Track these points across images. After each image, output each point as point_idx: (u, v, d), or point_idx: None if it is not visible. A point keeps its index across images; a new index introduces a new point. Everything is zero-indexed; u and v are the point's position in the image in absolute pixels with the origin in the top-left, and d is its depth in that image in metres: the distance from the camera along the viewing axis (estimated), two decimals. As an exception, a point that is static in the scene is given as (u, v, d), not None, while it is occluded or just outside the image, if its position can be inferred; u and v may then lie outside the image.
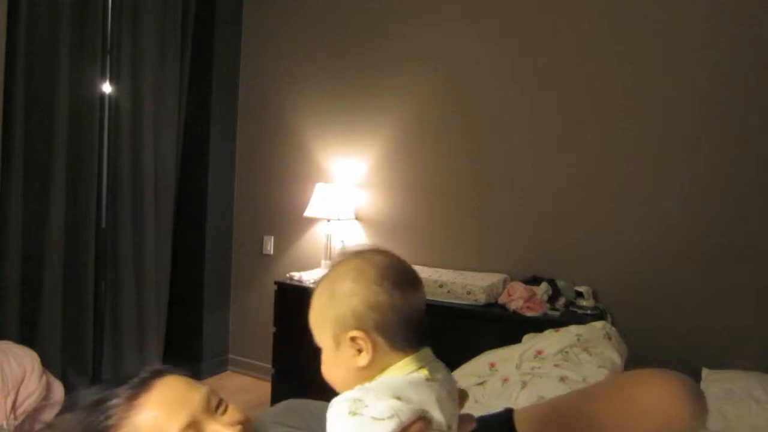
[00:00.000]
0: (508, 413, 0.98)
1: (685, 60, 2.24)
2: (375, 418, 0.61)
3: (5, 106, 2.43)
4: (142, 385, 0.86)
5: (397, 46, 2.94)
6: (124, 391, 0.85)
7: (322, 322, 0.72)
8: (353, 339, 0.68)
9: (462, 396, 0.75)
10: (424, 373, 0.68)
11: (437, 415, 0.66)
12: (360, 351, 0.68)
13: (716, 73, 2.19)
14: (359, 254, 0.74)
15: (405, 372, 0.68)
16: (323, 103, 3.18)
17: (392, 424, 0.61)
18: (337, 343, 0.70)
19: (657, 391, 0.85)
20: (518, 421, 0.95)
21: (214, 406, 0.86)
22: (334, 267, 0.74)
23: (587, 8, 2.44)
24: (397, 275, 0.71)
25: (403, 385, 0.66)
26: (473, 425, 0.76)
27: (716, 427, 1.44)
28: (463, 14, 2.74)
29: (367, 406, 0.62)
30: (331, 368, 0.72)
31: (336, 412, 0.64)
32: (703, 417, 0.87)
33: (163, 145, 3.10)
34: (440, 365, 0.73)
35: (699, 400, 0.87)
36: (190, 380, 0.89)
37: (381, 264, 0.71)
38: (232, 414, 0.88)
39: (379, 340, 0.68)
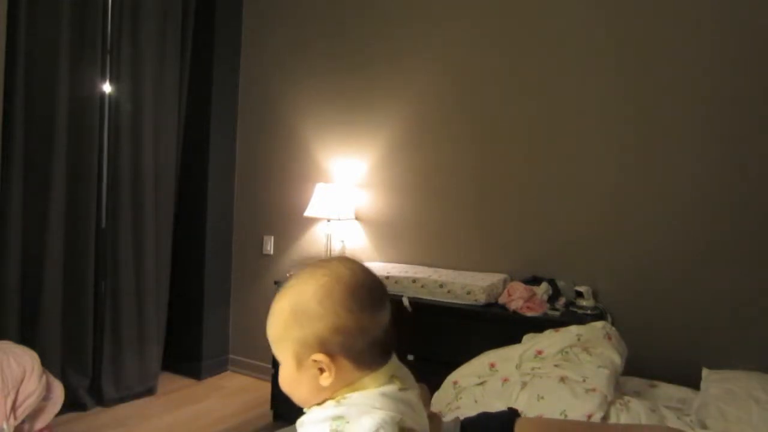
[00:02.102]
0: (511, 417, 0.97)
1: (685, 61, 2.24)
2: None
3: (5, 106, 2.44)
4: None
5: (397, 46, 2.94)
6: None
7: (283, 340, 0.69)
8: (315, 361, 0.66)
9: (424, 391, 0.75)
10: (396, 384, 0.67)
11: (417, 421, 0.66)
12: (321, 371, 0.66)
13: (716, 74, 2.19)
14: (325, 267, 0.70)
15: (377, 386, 0.66)
16: (323, 103, 3.18)
17: None
18: (299, 362, 0.67)
19: None
20: (519, 428, 0.94)
21: None
22: (298, 280, 0.70)
23: (588, 10, 2.44)
24: (366, 295, 0.68)
25: (379, 399, 0.64)
26: (441, 421, 0.76)
27: (716, 427, 1.44)
28: (463, 15, 2.75)
29: (349, 423, 0.61)
30: (290, 384, 0.70)
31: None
32: None
33: (163, 145, 3.10)
34: (406, 370, 0.73)
35: None
36: None
37: (349, 282, 0.68)
38: None
39: (344, 361, 0.66)
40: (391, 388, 0.66)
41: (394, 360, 0.71)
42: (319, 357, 0.65)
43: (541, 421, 0.98)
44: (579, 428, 0.94)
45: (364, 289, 0.69)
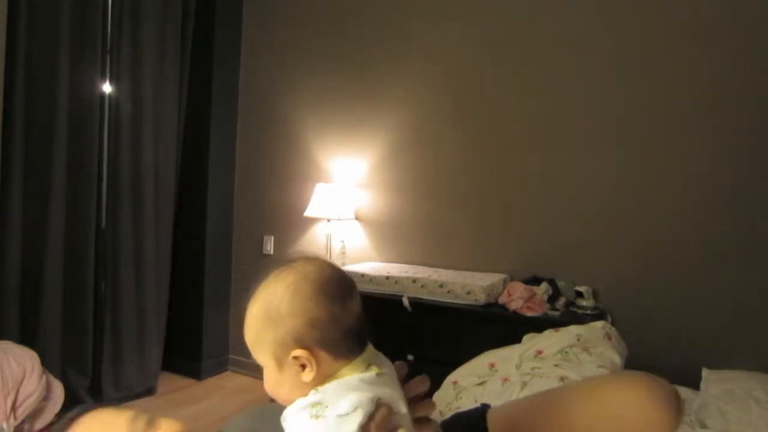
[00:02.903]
0: (483, 411, 0.98)
1: (685, 59, 2.24)
2: (340, 416, 0.62)
3: (5, 106, 2.44)
4: (68, 424, 0.85)
5: (397, 46, 2.94)
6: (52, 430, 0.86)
7: (260, 344, 0.70)
8: (296, 357, 0.67)
9: (399, 369, 0.75)
10: (374, 370, 0.69)
11: (397, 404, 0.68)
12: (303, 367, 0.67)
13: (717, 73, 2.19)
14: (290, 268, 0.72)
15: (355, 373, 0.68)
16: (323, 103, 3.18)
17: (358, 416, 0.62)
18: (280, 363, 0.69)
19: (632, 396, 0.84)
20: (491, 420, 0.95)
21: (143, 425, 0.83)
22: (266, 284, 0.72)
23: (587, 9, 2.44)
24: (334, 287, 0.70)
25: (356, 383, 0.66)
26: (434, 408, 0.76)
27: (716, 427, 1.44)
28: (463, 15, 2.75)
29: (327, 407, 0.63)
30: (275, 386, 0.71)
31: (297, 421, 0.65)
32: (679, 420, 0.85)
33: (163, 145, 3.10)
34: (382, 357, 0.74)
35: (674, 404, 0.86)
36: (116, 408, 0.88)
37: (316, 277, 0.70)
38: (167, 428, 0.85)
39: (322, 354, 0.67)
40: (368, 374, 0.68)
41: (370, 349, 0.72)
42: (299, 353, 0.67)
43: (507, 408, 0.99)
44: (542, 401, 0.95)
45: (332, 281, 0.70)
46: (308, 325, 0.67)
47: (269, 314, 0.69)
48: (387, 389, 0.68)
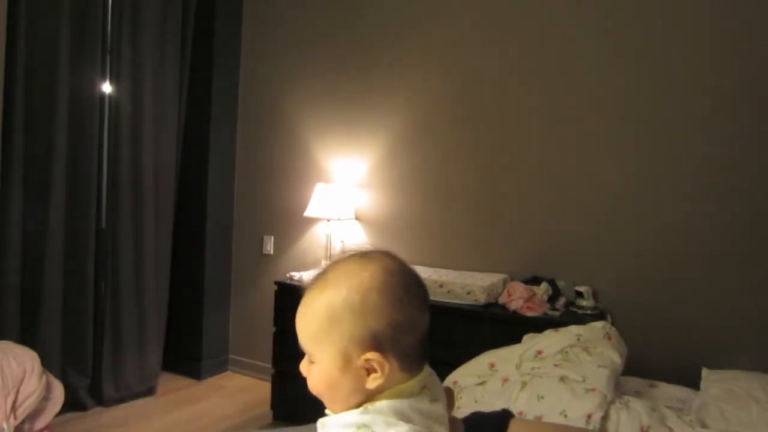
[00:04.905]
0: (505, 418, 0.96)
1: (686, 59, 2.24)
2: None
3: (5, 107, 2.44)
4: None
5: (397, 46, 2.94)
6: None
7: (328, 336, 0.62)
8: (367, 360, 0.61)
9: (449, 395, 0.72)
10: (427, 394, 0.64)
11: None
12: (369, 372, 0.61)
13: (717, 73, 2.19)
14: (375, 260, 0.65)
15: (410, 394, 0.62)
16: (323, 103, 3.18)
17: None
18: (346, 362, 0.61)
19: None
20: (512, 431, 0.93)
21: None
22: (342, 270, 0.65)
23: (588, 8, 2.44)
24: (416, 288, 0.65)
25: (408, 409, 0.61)
26: (461, 427, 0.74)
27: (716, 427, 1.44)
28: (463, 14, 2.74)
29: None
30: (330, 386, 0.63)
31: None
32: None
33: (163, 145, 3.10)
34: (435, 378, 0.69)
35: None
36: None
37: (403, 275, 0.64)
38: None
39: (393, 361, 0.61)
40: (422, 400, 0.63)
41: (427, 367, 0.68)
42: (374, 356, 0.60)
43: (535, 424, 0.97)
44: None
45: (414, 283, 0.65)
46: (390, 326, 0.61)
47: (352, 305, 0.61)
48: (435, 421, 0.63)
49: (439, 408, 0.65)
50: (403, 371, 0.63)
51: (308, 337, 0.64)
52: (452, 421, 0.73)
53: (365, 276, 0.63)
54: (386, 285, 0.62)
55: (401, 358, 0.62)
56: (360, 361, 0.61)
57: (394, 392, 0.62)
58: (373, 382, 0.61)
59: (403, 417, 0.59)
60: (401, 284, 0.63)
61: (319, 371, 0.64)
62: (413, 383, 0.63)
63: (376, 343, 0.61)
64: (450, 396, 0.71)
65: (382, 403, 0.61)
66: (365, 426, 0.58)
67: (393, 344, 0.61)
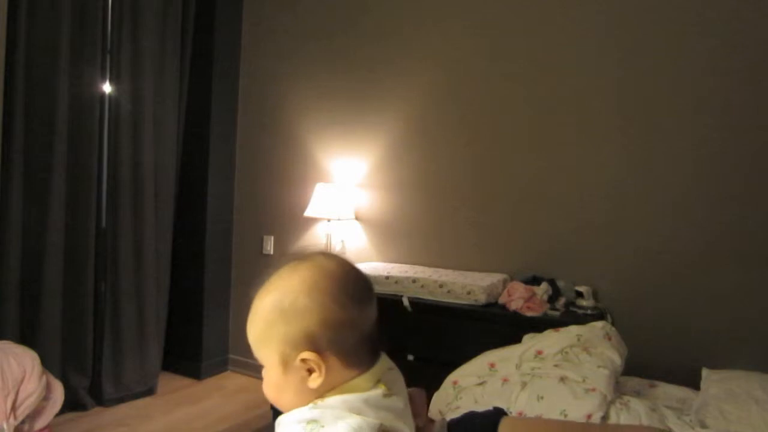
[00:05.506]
0: (496, 416, 0.96)
1: (685, 59, 2.24)
2: None
3: (5, 106, 2.44)
4: None
5: (396, 46, 2.94)
6: None
7: (267, 340, 0.65)
8: (304, 360, 0.62)
9: (417, 396, 0.71)
10: (381, 389, 0.63)
11: (400, 428, 0.62)
12: (311, 372, 0.62)
13: (717, 73, 2.19)
14: (309, 262, 0.66)
15: (361, 390, 0.62)
16: (323, 103, 3.18)
17: None
18: (285, 364, 0.63)
19: None
20: (503, 428, 0.92)
21: None
22: (280, 276, 0.67)
23: (586, 8, 2.44)
24: (353, 287, 0.65)
25: (359, 404, 0.61)
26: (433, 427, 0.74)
27: (716, 427, 1.44)
28: (462, 15, 2.74)
29: (323, 427, 0.58)
30: (276, 389, 0.65)
31: None
32: None
33: (163, 146, 3.10)
34: (395, 374, 0.69)
35: None
36: None
37: (336, 274, 0.65)
38: None
39: (333, 360, 0.62)
40: (374, 393, 0.63)
41: (383, 362, 0.67)
42: (308, 355, 0.61)
43: (526, 421, 0.97)
44: (564, 427, 0.92)
45: (352, 281, 0.65)
46: (323, 325, 0.62)
47: (282, 308, 0.63)
48: (391, 414, 0.62)
49: (396, 402, 0.64)
50: (348, 368, 0.63)
51: (252, 342, 0.67)
52: (427, 424, 0.72)
53: (295, 278, 0.64)
54: (316, 285, 0.63)
55: (343, 355, 0.63)
56: (297, 361, 0.62)
57: (343, 389, 0.62)
58: (314, 382, 0.62)
59: (354, 410, 0.60)
60: (335, 284, 0.64)
61: (266, 376, 0.66)
62: (363, 379, 0.63)
63: (311, 343, 0.62)
64: (420, 397, 0.71)
65: (331, 399, 0.61)
66: (314, 421, 0.59)
67: (330, 343, 0.62)
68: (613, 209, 2.38)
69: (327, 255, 0.68)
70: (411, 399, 0.70)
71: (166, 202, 3.15)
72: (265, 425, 2.74)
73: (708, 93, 2.20)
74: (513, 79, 2.62)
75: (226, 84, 3.42)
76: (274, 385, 0.65)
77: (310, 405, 0.61)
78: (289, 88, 3.31)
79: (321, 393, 0.62)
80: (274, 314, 0.64)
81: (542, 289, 2.30)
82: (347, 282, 0.65)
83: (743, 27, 2.13)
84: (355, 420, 0.58)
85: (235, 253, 3.51)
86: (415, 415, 0.70)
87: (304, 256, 0.67)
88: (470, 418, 0.99)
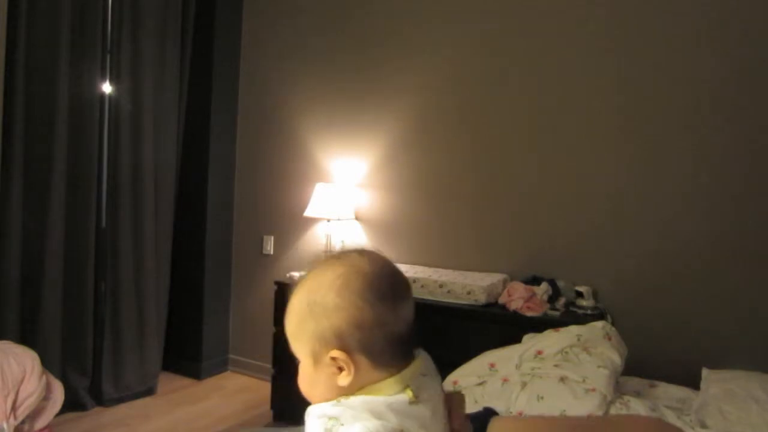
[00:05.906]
0: (486, 416, 0.95)
1: (686, 60, 2.24)
2: None
3: (5, 106, 2.43)
4: None
5: (397, 47, 2.94)
6: None
7: (299, 335, 0.66)
8: (334, 358, 0.62)
9: (459, 399, 0.71)
10: (408, 395, 0.62)
11: None
12: (341, 370, 0.62)
13: (718, 73, 2.19)
14: (343, 258, 0.67)
15: (387, 393, 0.62)
16: (323, 103, 3.18)
17: None
18: (316, 360, 0.64)
19: None
20: (491, 428, 0.92)
21: None
22: (315, 272, 0.67)
23: (588, 9, 2.44)
24: (386, 286, 0.65)
25: (382, 407, 0.60)
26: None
27: (716, 427, 1.44)
28: (463, 15, 2.74)
29: (342, 425, 0.58)
30: (308, 383, 0.66)
31: (312, 426, 0.61)
32: None
33: (163, 146, 3.10)
34: (427, 380, 0.68)
35: None
36: None
37: (368, 273, 0.64)
38: None
39: (363, 359, 0.62)
40: (400, 398, 0.62)
41: (416, 366, 0.66)
42: (337, 354, 0.62)
43: (515, 420, 0.96)
44: (553, 423, 0.91)
45: (384, 280, 0.65)
46: (352, 325, 0.61)
47: (312, 306, 0.64)
48: (415, 422, 0.61)
49: (422, 410, 0.63)
50: (377, 369, 0.63)
51: (288, 336, 0.68)
52: (466, 419, 0.72)
53: (328, 276, 0.64)
54: (347, 284, 0.63)
55: (372, 356, 0.62)
56: (326, 359, 0.63)
57: (370, 390, 0.62)
58: (343, 380, 0.62)
59: (374, 413, 0.59)
60: (366, 283, 0.63)
61: (300, 370, 0.67)
62: (391, 382, 0.63)
63: (340, 341, 0.62)
64: (457, 402, 0.71)
65: (355, 398, 0.62)
66: (334, 418, 0.59)
67: (358, 343, 0.62)
68: (613, 209, 2.38)
69: (362, 252, 0.68)
70: (449, 402, 0.70)
71: (166, 202, 3.15)
72: (264, 425, 2.74)
73: (708, 93, 2.20)
74: (514, 80, 2.62)
75: (226, 84, 3.42)
76: (307, 379, 0.66)
77: (334, 402, 0.62)
78: (289, 88, 3.31)
79: (350, 391, 0.63)
80: (305, 311, 0.65)
81: (542, 289, 2.30)
82: (380, 282, 0.64)
83: (743, 27, 2.13)
84: (372, 423, 0.58)
85: (235, 253, 3.51)
86: (452, 419, 0.70)
87: (339, 253, 0.68)
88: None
